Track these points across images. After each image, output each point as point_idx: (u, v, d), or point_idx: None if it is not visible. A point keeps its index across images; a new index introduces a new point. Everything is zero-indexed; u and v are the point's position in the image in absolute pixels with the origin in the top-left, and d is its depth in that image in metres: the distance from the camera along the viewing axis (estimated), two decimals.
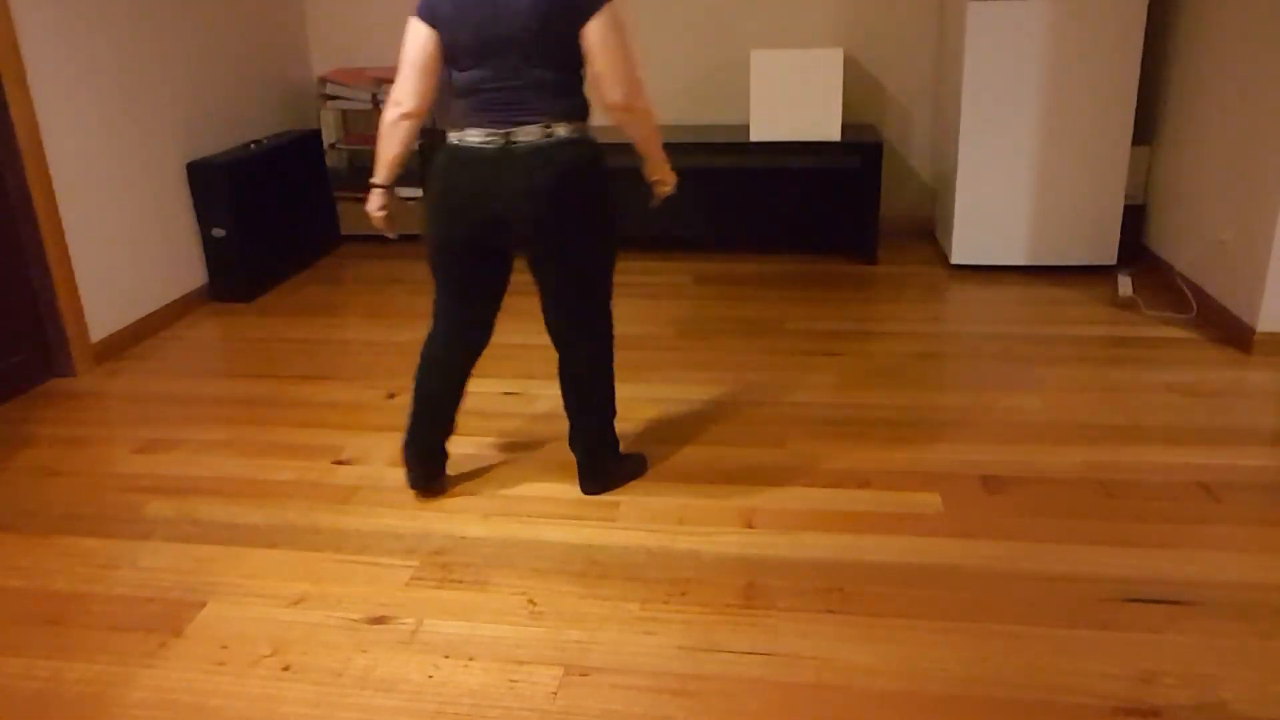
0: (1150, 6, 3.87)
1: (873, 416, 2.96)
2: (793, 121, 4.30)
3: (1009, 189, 4.09)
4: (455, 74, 2.22)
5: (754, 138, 4.34)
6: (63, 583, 2.27)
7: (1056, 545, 2.29)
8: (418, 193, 4.80)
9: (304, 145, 4.60)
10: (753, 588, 2.17)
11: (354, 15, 4.94)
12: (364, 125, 5.09)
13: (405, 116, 2.27)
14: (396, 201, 2.50)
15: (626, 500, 2.54)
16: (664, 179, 2.46)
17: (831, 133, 4.29)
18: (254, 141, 4.40)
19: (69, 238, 3.39)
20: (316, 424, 3.02)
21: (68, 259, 3.39)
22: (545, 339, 3.66)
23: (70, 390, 3.34)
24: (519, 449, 2.84)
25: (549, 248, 2.29)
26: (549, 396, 3.17)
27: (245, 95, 4.47)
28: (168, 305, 3.93)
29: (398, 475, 2.70)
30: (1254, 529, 2.33)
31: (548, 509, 2.52)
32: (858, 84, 4.70)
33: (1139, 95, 4.02)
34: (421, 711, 1.84)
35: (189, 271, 4.08)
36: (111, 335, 3.61)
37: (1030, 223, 4.14)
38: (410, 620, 2.10)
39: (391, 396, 3.20)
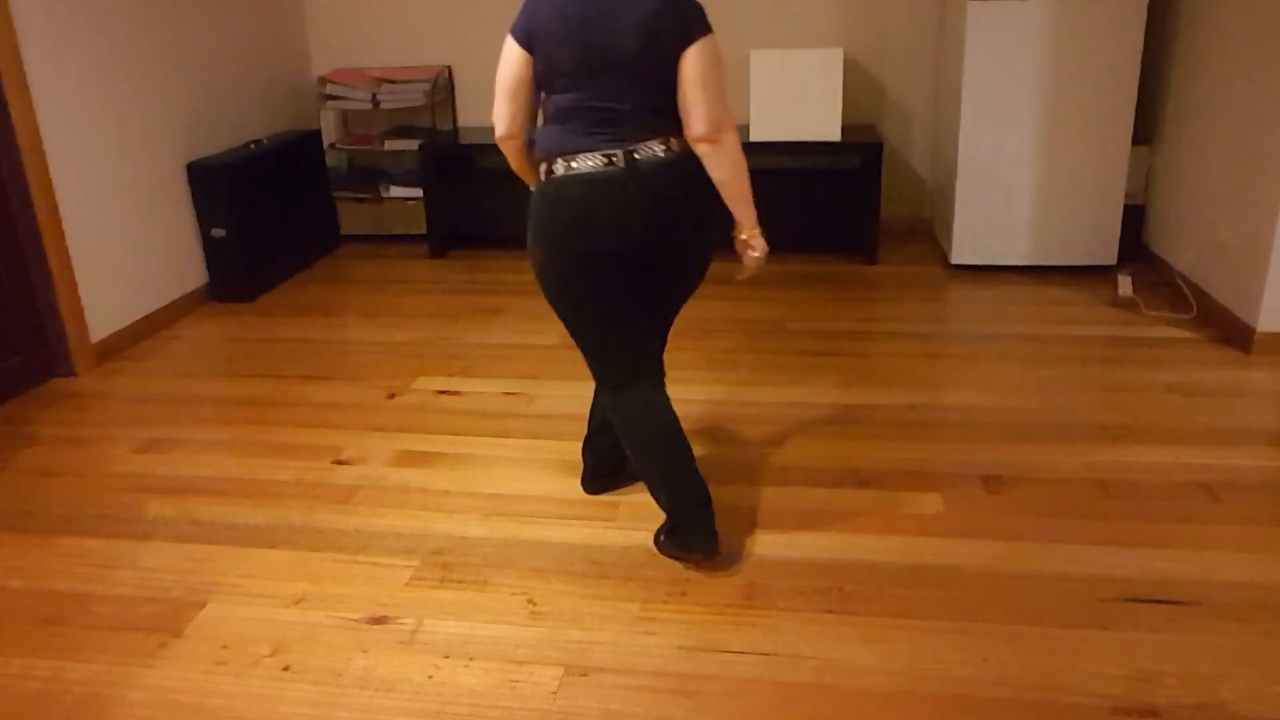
0: (1150, 6, 3.87)
1: (873, 416, 2.96)
2: (793, 121, 4.30)
3: (1009, 189, 4.09)
4: (552, 96, 2.12)
5: (754, 138, 4.34)
6: (63, 583, 2.27)
7: (1056, 545, 2.29)
8: (418, 193, 4.80)
9: (304, 145, 4.60)
10: (753, 588, 2.17)
11: (354, 15, 4.94)
12: (364, 125, 5.09)
13: (504, 139, 2.20)
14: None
15: (626, 500, 2.54)
16: (751, 240, 2.28)
17: (831, 133, 4.29)
18: (254, 141, 4.40)
19: (69, 238, 3.39)
20: (316, 424, 3.03)
21: (68, 259, 3.39)
22: (545, 339, 3.68)
23: (70, 390, 3.34)
24: (519, 449, 2.84)
25: (674, 261, 2.21)
26: (549, 396, 3.17)
27: (245, 95, 4.47)
28: (168, 305, 3.93)
29: (398, 475, 2.70)
30: (1254, 529, 2.33)
31: (548, 509, 2.52)
32: (858, 84, 4.70)
33: (1139, 95, 4.02)
34: (421, 711, 1.84)
35: (189, 271, 4.08)
36: (111, 335, 3.61)
37: (1030, 223, 4.14)
38: (410, 620, 2.10)
39: (391, 396, 3.20)
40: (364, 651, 2.01)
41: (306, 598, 2.19)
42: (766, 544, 2.33)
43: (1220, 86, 3.58)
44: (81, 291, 3.46)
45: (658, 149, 2.08)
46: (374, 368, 3.44)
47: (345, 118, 5.08)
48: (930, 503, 2.49)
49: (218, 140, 4.25)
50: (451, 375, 3.36)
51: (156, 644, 2.05)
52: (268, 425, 3.03)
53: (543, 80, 2.11)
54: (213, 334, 3.84)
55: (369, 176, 5.03)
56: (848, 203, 4.50)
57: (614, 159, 2.07)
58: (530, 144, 2.21)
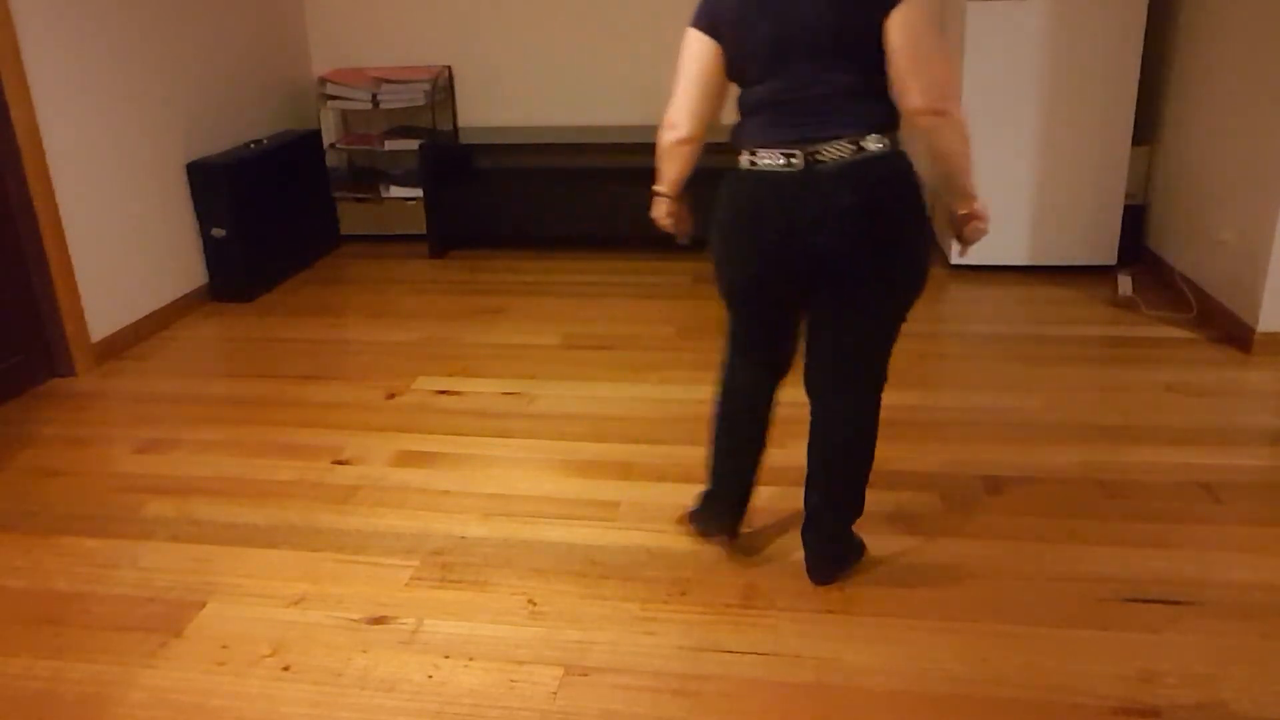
0: (1150, 6, 3.87)
1: None
2: None
3: (1009, 189, 4.09)
4: (744, 85, 1.95)
5: None
6: (63, 583, 2.27)
7: (1056, 545, 2.29)
8: (418, 193, 4.80)
9: (304, 145, 4.60)
10: (753, 588, 2.17)
11: (354, 15, 4.94)
12: (364, 125, 5.09)
13: (682, 143, 2.01)
14: (685, 208, 2.24)
15: (626, 500, 2.54)
16: (975, 215, 2.03)
17: None
18: (254, 141, 4.40)
19: (69, 238, 3.39)
20: (316, 424, 3.03)
21: (68, 259, 3.39)
22: (545, 339, 3.69)
23: (70, 390, 3.34)
24: (519, 449, 2.84)
25: (853, 280, 1.93)
26: (549, 396, 3.17)
27: (245, 95, 4.47)
28: (168, 305, 3.93)
29: (398, 475, 2.70)
30: (1254, 529, 2.33)
31: (548, 509, 2.52)
32: None
33: (1139, 95, 4.02)
34: (421, 711, 1.84)
35: (189, 271, 4.08)
36: (111, 335, 3.61)
37: (1030, 223, 4.14)
38: (410, 620, 2.10)
39: (391, 396, 3.20)
40: (364, 651, 2.01)
41: (306, 598, 2.19)
42: (766, 544, 2.33)
43: (1220, 86, 3.58)
44: (81, 291, 3.46)
45: (846, 149, 1.86)
46: (374, 368, 3.44)
47: (345, 118, 5.08)
48: (930, 503, 2.49)
49: (218, 140, 4.25)
50: (451, 375, 3.36)
51: (156, 644, 2.05)
52: (268, 425, 3.03)
53: (733, 71, 1.93)
54: (213, 334, 3.84)
55: (369, 176, 5.03)
56: None
57: (793, 159, 1.88)
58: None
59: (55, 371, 3.44)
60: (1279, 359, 3.27)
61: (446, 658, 1.98)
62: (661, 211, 2.22)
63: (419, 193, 4.79)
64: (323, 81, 4.79)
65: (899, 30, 1.79)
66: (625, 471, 2.68)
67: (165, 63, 3.90)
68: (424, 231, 4.78)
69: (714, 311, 3.89)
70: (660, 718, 1.81)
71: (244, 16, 4.44)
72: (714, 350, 3.50)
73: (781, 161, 1.89)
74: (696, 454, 2.76)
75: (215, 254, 4.13)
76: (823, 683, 1.88)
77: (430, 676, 1.93)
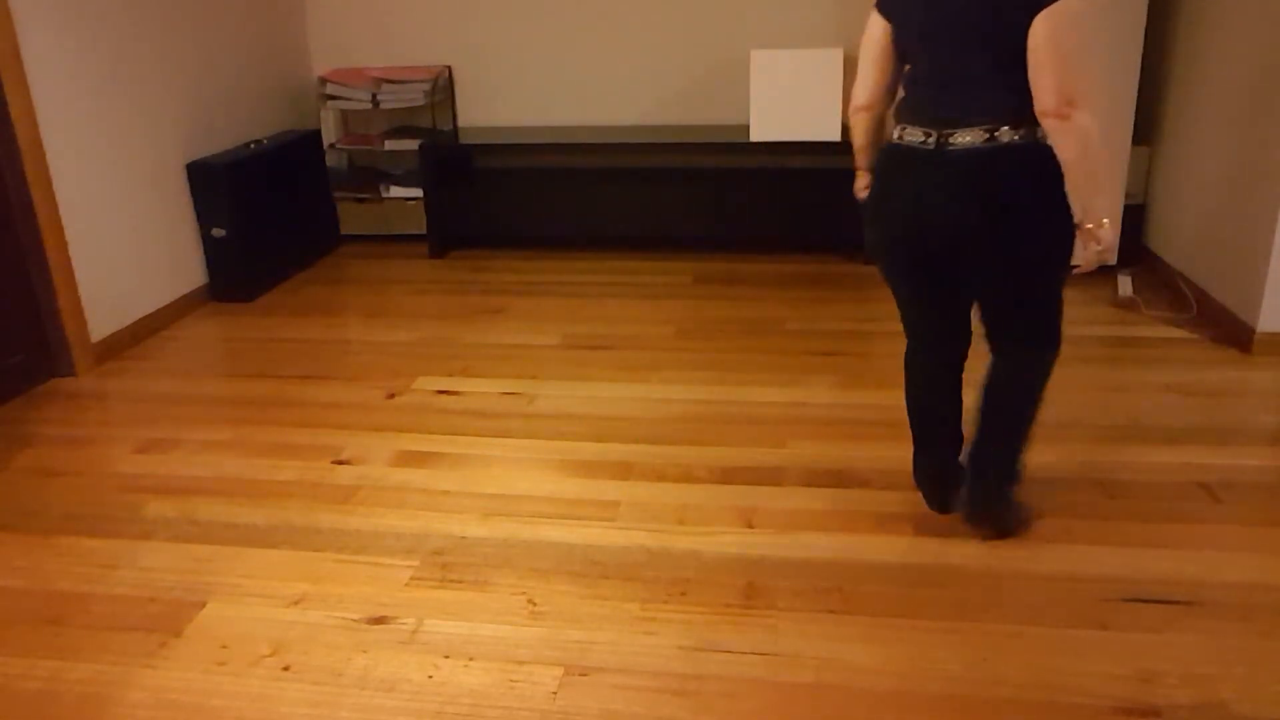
0: (1150, 6, 3.87)
1: (873, 416, 2.96)
2: (793, 121, 4.30)
3: None
4: (906, 65, 2.11)
5: (754, 138, 4.34)
6: (63, 583, 2.27)
7: (1056, 545, 2.28)
8: (418, 193, 4.80)
9: (304, 145, 4.60)
10: (753, 588, 2.17)
11: (354, 15, 4.94)
12: (364, 125, 5.09)
13: (858, 109, 2.20)
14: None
15: (626, 500, 2.54)
16: (1097, 231, 1.99)
17: (831, 133, 4.29)
18: (254, 141, 4.40)
19: (69, 238, 3.39)
20: (316, 424, 3.03)
21: (68, 259, 3.39)
22: (545, 339, 3.69)
23: (70, 390, 3.34)
24: (519, 449, 2.84)
25: (982, 260, 2.05)
26: (549, 396, 3.17)
27: (245, 95, 4.46)
28: (168, 305, 3.93)
29: (398, 475, 2.70)
30: (1254, 529, 2.33)
31: (548, 509, 2.52)
32: None
33: (1139, 95, 4.01)
34: (421, 711, 1.84)
35: (189, 271, 4.08)
36: (111, 335, 3.61)
37: None
38: (410, 620, 2.10)
39: (391, 396, 3.20)
40: (364, 651, 2.01)
41: (306, 598, 2.19)
42: (766, 544, 2.33)
43: (1220, 86, 3.58)
44: (81, 291, 3.46)
45: (978, 136, 1.94)
46: (374, 368, 3.44)
47: (345, 118, 5.08)
48: None
49: (218, 140, 4.24)
50: (451, 375, 3.36)
51: (156, 644, 2.05)
52: (268, 425, 3.03)
53: (899, 49, 2.09)
54: (213, 334, 3.84)
55: (369, 176, 5.03)
56: (848, 203, 4.49)
57: (929, 138, 2.00)
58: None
59: (55, 371, 3.44)
60: (1279, 359, 3.27)
61: (446, 658, 1.98)
62: (859, 185, 2.36)
63: (419, 193, 4.79)
64: (323, 81, 4.79)
65: (1043, 30, 1.85)
66: (625, 471, 2.69)
67: (165, 63, 3.90)
68: (424, 231, 4.78)
69: (714, 312, 3.89)
70: (660, 718, 1.81)
71: (244, 16, 4.44)
72: (714, 350, 3.50)
73: (920, 139, 2.02)
74: (697, 454, 2.76)
75: (215, 254, 4.13)
76: (823, 683, 1.88)
77: (430, 676, 1.93)
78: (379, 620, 2.11)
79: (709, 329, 3.71)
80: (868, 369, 3.30)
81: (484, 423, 3.00)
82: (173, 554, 2.37)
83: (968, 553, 2.27)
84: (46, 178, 3.29)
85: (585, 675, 1.92)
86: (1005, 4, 1.88)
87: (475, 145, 4.71)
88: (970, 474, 2.28)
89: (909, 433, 2.83)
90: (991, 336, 2.20)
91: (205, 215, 4.08)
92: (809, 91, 4.24)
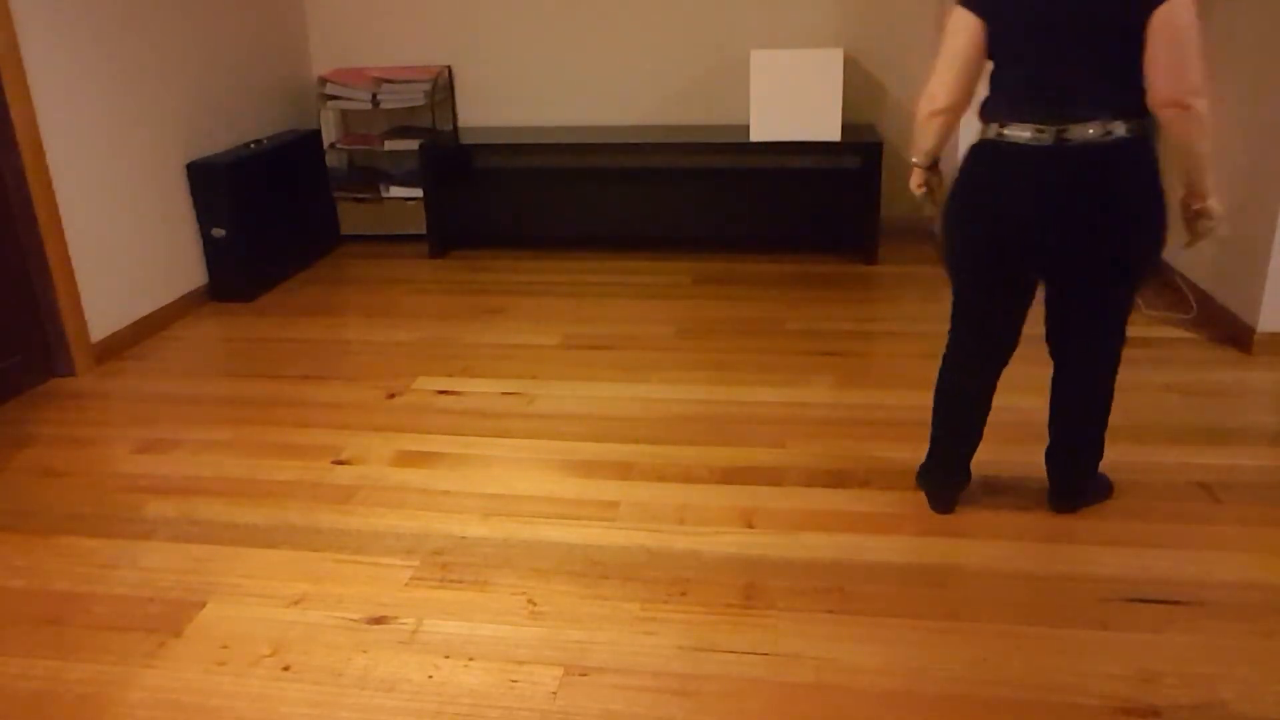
0: None
1: (873, 416, 2.96)
2: (793, 121, 4.30)
3: None
4: (1000, 62, 2.06)
5: (754, 138, 4.34)
6: (63, 583, 2.27)
7: (1056, 545, 2.28)
8: (418, 193, 4.80)
9: (304, 145, 4.60)
10: (753, 588, 2.17)
11: (354, 15, 4.94)
12: (364, 125, 5.09)
13: (938, 113, 2.14)
14: (937, 179, 2.35)
15: (626, 500, 2.54)
16: (1206, 211, 2.05)
17: (831, 133, 4.28)
18: (254, 141, 4.41)
19: (69, 238, 3.39)
20: (316, 424, 3.03)
21: (68, 259, 3.39)
22: (545, 339, 3.69)
23: (70, 390, 3.34)
24: (519, 449, 2.84)
25: (1092, 257, 2.07)
26: (549, 396, 3.17)
27: (245, 95, 4.46)
28: (168, 305, 3.93)
29: (398, 475, 2.70)
30: (1254, 529, 2.33)
31: (548, 509, 2.52)
32: (858, 84, 4.70)
33: None
34: (421, 711, 1.84)
35: (189, 271, 4.08)
36: (111, 335, 3.61)
37: None
38: (410, 620, 2.10)
39: (391, 396, 3.20)
40: (364, 651, 2.01)
41: (306, 598, 2.19)
42: (766, 544, 2.33)
43: (1220, 86, 3.58)
44: (81, 291, 3.46)
45: (1096, 130, 1.96)
46: (374, 368, 3.44)
47: (345, 118, 5.08)
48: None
49: (218, 140, 4.25)
50: (451, 375, 3.36)
51: (156, 644, 2.05)
52: (268, 425, 3.03)
53: (993, 48, 2.05)
54: (213, 334, 3.84)
55: (369, 176, 5.03)
56: (848, 203, 4.51)
57: (1041, 134, 1.99)
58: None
59: (55, 371, 3.44)
60: (1279, 359, 3.27)
61: (446, 658, 1.98)
62: (915, 181, 2.35)
63: (419, 193, 4.79)
64: (323, 81, 4.79)
65: (1163, 24, 1.86)
66: (625, 471, 2.69)
67: (165, 63, 3.90)
68: (424, 231, 4.78)
69: (714, 311, 3.89)
70: (660, 718, 1.81)
71: (244, 16, 4.44)
72: (714, 350, 3.50)
73: (1033, 135, 1.99)
74: (697, 454, 2.76)
75: (215, 254, 4.13)
76: (823, 683, 1.88)
77: (430, 676, 1.93)
78: (379, 620, 2.11)
79: (709, 329, 3.71)
80: (868, 369, 3.30)
81: (484, 423, 3.00)
82: (173, 554, 2.37)
83: (968, 553, 2.27)
84: (46, 178, 3.29)
85: (585, 675, 1.92)
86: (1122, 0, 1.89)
87: (475, 145, 4.71)
88: (1062, 470, 2.37)
89: (909, 432, 2.84)
90: (1069, 335, 2.22)
91: (205, 215, 4.08)
92: (809, 91, 4.24)
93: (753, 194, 4.59)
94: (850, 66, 4.67)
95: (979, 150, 2.11)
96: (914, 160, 2.31)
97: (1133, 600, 2.09)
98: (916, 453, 2.73)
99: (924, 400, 3.05)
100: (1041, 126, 1.99)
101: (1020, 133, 2.01)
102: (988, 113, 2.09)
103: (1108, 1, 1.91)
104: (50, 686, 1.94)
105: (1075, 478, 2.38)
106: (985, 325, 2.28)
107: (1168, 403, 2.99)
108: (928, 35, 4.60)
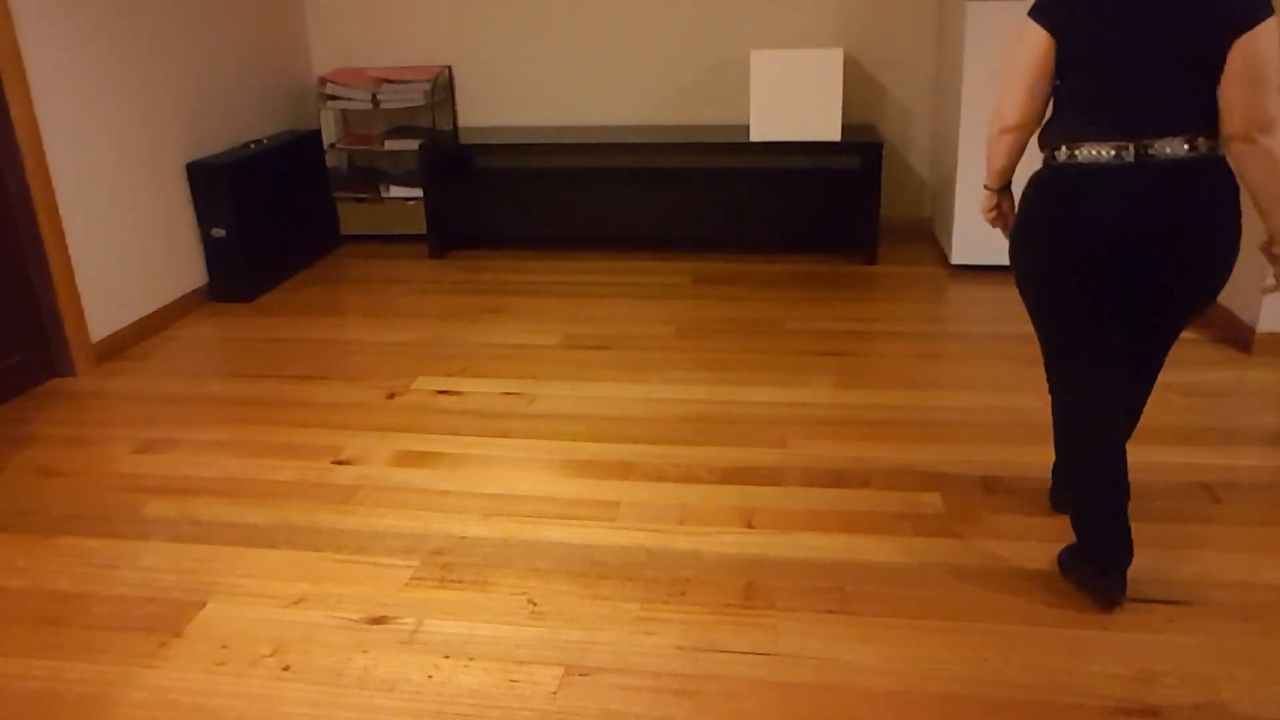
0: None
1: (873, 416, 2.96)
2: (793, 121, 4.30)
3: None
4: (1071, 80, 1.96)
5: (754, 138, 4.34)
6: (63, 583, 2.27)
7: (1056, 545, 2.28)
8: (418, 193, 4.80)
9: (304, 145, 4.60)
10: (753, 588, 2.17)
11: (354, 15, 4.94)
12: (364, 125, 5.09)
13: (1008, 130, 2.04)
14: (1009, 203, 2.23)
15: (626, 500, 2.54)
16: (1276, 256, 1.97)
17: (831, 133, 4.28)
18: (254, 141, 4.40)
19: (69, 238, 3.39)
20: (316, 424, 3.03)
21: (68, 259, 3.39)
22: (545, 339, 3.69)
23: (70, 390, 3.34)
24: (519, 449, 2.84)
25: (1170, 275, 1.96)
26: (549, 396, 3.17)
27: (245, 95, 4.46)
28: (168, 305, 3.93)
29: (398, 475, 2.70)
30: (1254, 529, 2.33)
31: (548, 509, 2.52)
32: (858, 84, 4.70)
33: None
34: (421, 711, 1.84)
35: (189, 271, 4.08)
36: (111, 335, 3.61)
37: None
38: (410, 620, 2.10)
39: (391, 396, 3.20)
40: (364, 651, 2.01)
41: (306, 598, 2.19)
42: (766, 544, 2.33)
43: None
44: (81, 291, 3.46)
45: (1180, 146, 1.87)
46: (374, 368, 3.44)
47: (345, 118, 5.08)
48: (930, 503, 2.49)
49: (218, 140, 4.24)
50: (451, 375, 3.36)
51: (156, 644, 2.05)
52: (268, 425, 3.03)
53: (1063, 64, 1.95)
54: (213, 334, 3.84)
55: (369, 176, 5.03)
56: (848, 203, 4.51)
57: (1124, 152, 1.89)
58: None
59: (55, 371, 3.44)
60: (1279, 359, 3.27)
61: (446, 658, 1.98)
62: (987, 206, 2.24)
63: (419, 193, 4.79)
64: (323, 81, 4.79)
65: (1243, 53, 1.80)
66: (625, 471, 2.69)
67: (165, 63, 3.90)
68: (424, 231, 4.78)
69: (714, 311, 3.89)
70: (660, 718, 1.81)
71: (244, 16, 4.44)
72: (714, 350, 3.50)
73: (1112, 154, 1.90)
74: (697, 454, 2.76)
75: (215, 254, 4.13)
76: (823, 683, 1.88)
77: (430, 676, 1.93)
78: (379, 620, 2.11)
79: (709, 329, 3.71)
80: (868, 369, 3.30)
81: (484, 423, 3.00)
82: (173, 554, 2.37)
83: (968, 553, 2.27)
84: (47, 178, 3.29)
85: (585, 675, 1.92)
86: (1211, 20, 1.81)
87: (475, 145, 4.71)
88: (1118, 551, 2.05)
89: (909, 432, 2.84)
90: (1129, 376, 2.10)
91: (205, 215, 4.08)
92: (809, 91, 4.24)
93: (753, 194, 4.59)
94: (850, 66, 4.67)
95: (1045, 178, 2.00)
96: (985, 184, 2.21)
97: (1133, 600, 2.09)
98: (917, 453, 2.73)
99: (923, 400, 3.05)
100: (1121, 144, 1.89)
101: (1098, 152, 1.91)
102: (1053, 136, 1.98)
103: (1189, 20, 1.82)
104: (50, 686, 1.94)
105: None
106: (1090, 355, 2.06)
107: (1168, 403, 2.99)
108: (928, 35, 4.60)
